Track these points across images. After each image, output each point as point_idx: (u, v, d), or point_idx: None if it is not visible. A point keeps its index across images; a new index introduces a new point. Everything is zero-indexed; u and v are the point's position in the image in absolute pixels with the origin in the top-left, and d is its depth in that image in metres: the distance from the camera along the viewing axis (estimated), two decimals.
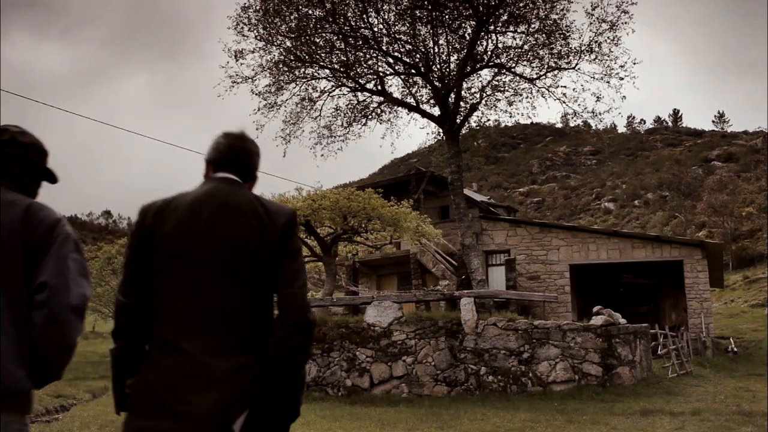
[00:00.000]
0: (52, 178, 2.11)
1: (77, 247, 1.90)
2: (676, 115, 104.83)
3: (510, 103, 19.25)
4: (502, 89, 19.12)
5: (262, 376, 1.86)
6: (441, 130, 18.83)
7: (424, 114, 19.07)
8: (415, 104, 19.29)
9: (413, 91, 19.55)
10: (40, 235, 1.83)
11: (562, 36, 17.89)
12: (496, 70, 18.76)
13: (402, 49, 18.64)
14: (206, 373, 1.80)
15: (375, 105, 19.60)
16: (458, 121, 18.44)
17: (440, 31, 18.37)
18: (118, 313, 1.97)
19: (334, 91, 19.23)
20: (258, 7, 17.89)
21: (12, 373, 1.73)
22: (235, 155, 2.06)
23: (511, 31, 18.37)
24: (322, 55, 18.58)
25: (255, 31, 18.10)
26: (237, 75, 18.54)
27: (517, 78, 18.81)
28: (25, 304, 1.79)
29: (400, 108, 19.53)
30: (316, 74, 18.90)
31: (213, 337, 1.85)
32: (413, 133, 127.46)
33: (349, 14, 18.18)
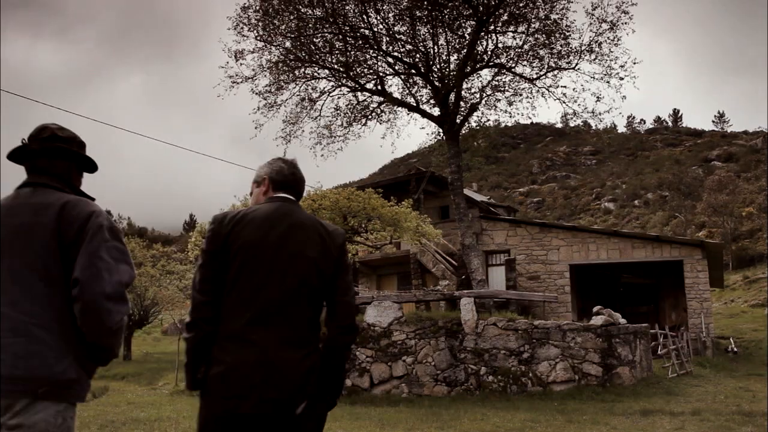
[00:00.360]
0: (93, 167, 2.33)
1: (113, 233, 2.07)
2: (676, 115, 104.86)
3: (510, 103, 19.26)
4: (502, 89, 19.13)
5: (316, 367, 2.25)
6: (441, 130, 18.82)
7: (424, 114, 19.06)
8: (415, 104, 19.29)
9: (413, 91, 19.56)
10: (75, 231, 2.01)
11: (562, 36, 17.90)
12: (496, 70, 18.76)
13: (402, 49, 18.65)
14: (271, 362, 2.16)
15: (375, 105, 19.60)
16: (458, 121, 18.43)
17: (440, 31, 18.37)
18: (194, 308, 2.24)
19: (334, 91, 19.25)
20: (258, 8, 17.90)
21: (52, 366, 1.94)
22: (294, 180, 2.50)
23: (511, 31, 18.38)
24: (322, 55, 18.57)
25: (255, 32, 18.12)
26: (237, 75, 18.56)
27: (517, 78, 18.82)
28: (65, 297, 1.99)
29: (400, 108, 19.53)
30: (315, 74, 18.91)
31: (279, 332, 2.20)
32: (413, 133, 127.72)
33: (349, 14, 18.18)
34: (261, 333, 2.18)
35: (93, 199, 2.20)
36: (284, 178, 2.48)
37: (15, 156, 2.19)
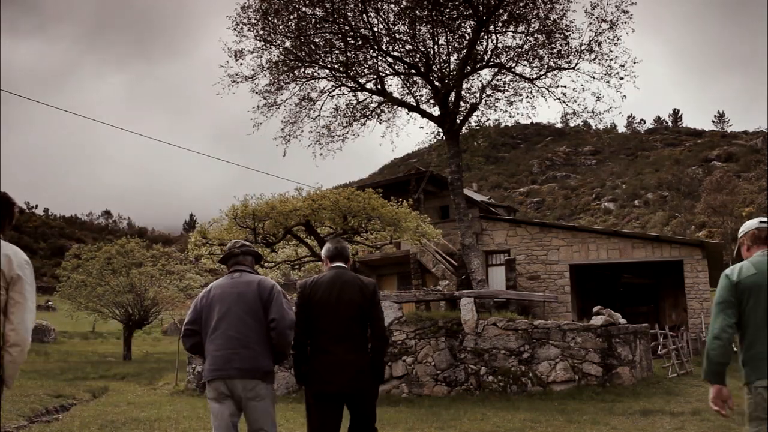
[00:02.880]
0: (261, 258, 4.68)
1: (284, 295, 3.98)
2: (676, 115, 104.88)
3: (510, 103, 19.23)
4: (501, 89, 19.11)
5: (367, 363, 3.96)
6: (441, 130, 18.81)
7: (424, 114, 19.05)
8: (415, 104, 19.27)
9: (413, 90, 19.54)
10: (266, 294, 3.91)
11: (561, 36, 17.87)
12: (496, 69, 18.74)
13: (402, 49, 18.62)
14: (344, 362, 3.88)
15: (375, 105, 19.59)
16: (458, 120, 18.42)
17: (440, 31, 18.35)
18: (296, 335, 3.97)
19: (333, 90, 19.23)
20: (257, 7, 17.88)
21: (263, 363, 3.83)
22: (338, 253, 4.21)
23: (511, 31, 18.36)
24: (322, 54, 18.56)
25: (254, 31, 18.10)
26: (237, 75, 18.54)
27: (517, 78, 18.80)
28: (265, 329, 3.86)
29: (399, 108, 19.51)
30: (315, 74, 18.89)
31: (345, 345, 3.92)
32: (413, 133, 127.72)
33: (349, 14, 18.16)
34: (335, 346, 3.92)
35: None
36: (332, 253, 4.23)
37: (225, 259, 4.19)
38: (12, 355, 2.81)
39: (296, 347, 3.98)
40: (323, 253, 4.26)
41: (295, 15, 17.95)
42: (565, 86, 18.78)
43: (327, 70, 18.81)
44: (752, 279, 3.11)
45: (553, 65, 18.21)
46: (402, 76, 19.35)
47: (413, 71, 18.80)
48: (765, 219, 3.37)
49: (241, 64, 18.67)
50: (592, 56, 17.69)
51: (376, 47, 18.39)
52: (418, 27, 18.29)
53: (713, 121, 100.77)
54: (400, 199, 15.79)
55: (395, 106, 19.43)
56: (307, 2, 17.93)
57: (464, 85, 18.72)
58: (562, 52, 17.98)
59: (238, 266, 4.07)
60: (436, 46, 18.43)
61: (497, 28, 18.13)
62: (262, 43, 18.16)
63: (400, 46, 18.56)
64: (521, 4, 17.70)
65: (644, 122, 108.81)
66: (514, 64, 18.48)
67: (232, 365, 3.74)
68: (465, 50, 17.95)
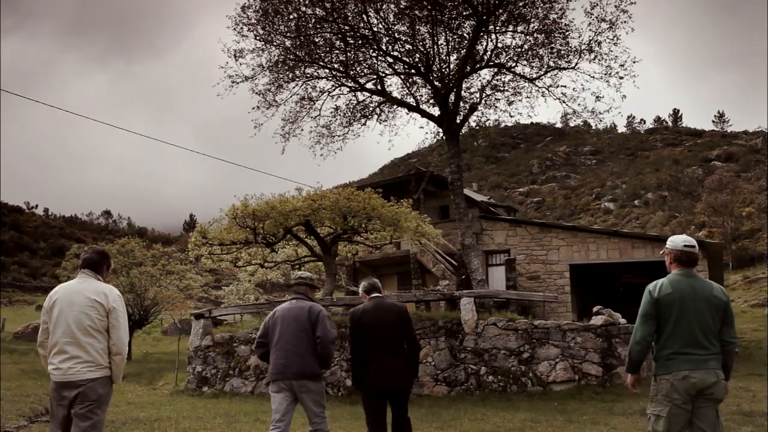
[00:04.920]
0: (315, 287, 5.93)
1: (328, 316, 5.28)
2: (676, 115, 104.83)
3: (510, 103, 19.22)
4: (501, 89, 19.10)
5: (407, 367, 5.36)
6: (441, 130, 18.80)
7: (424, 114, 19.04)
8: (414, 104, 19.26)
9: (413, 90, 19.53)
10: (315, 317, 5.18)
11: (561, 35, 17.86)
12: (495, 69, 18.72)
13: (402, 49, 18.61)
14: (389, 367, 5.26)
15: (375, 105, 19.58)
16: (458, 120, 18.41)
17: (440, 31, 18.33)
18: (352, 351, 5.47)
19: (334, 90, 19.22)
20: (258, 7, 17.88)
21: (313, 367, 5.16)
22: (372, 287, 5.61)
23: (510, 31, 18.35)
24: (322, 54, 18.55)
25: (254, 31, 18.09)
26: (237, 75, 18.55)
27: (517, 78, 18.79)
28: (314, 343, 5.14)
29: (399, 108, 19.51)
30: (315, 74, 18.88)
31: (389, 355, 5.29)
32: (412, 133, 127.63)
33: (348, 14, 18.14)
34: (384, 356, 5.28)
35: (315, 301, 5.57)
36: (368, 288, 5.63)
37: (290, 287, 6.22)
38: (116, 361, 4.17)
39: (354, 359, 5.43)
40: (361, 290, 5.70)
41: (295, 15, 17.94)
42: (565, 86, 18.76)
43: (327, 70, 18.81)
44: (668, 297, 3.95)
45: (553, 65, 18.20)
46: (402, 76, 19.34)
47: (413, 71, 18.79)
48: (689, 242, 4.09)
49: (240, 64, 18.68)
50: (592, 56, 17.69)
51: (375, 47, 18.39)
52: (418, 27, 18.28)
53: (713, 121, 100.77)
54: (400, 200, 15.80)
55: (395, 106, 19.42)
56: (307, 2, 17.93)
57: (464, 85, 18.72)
58: (562, 52, 17.97)
59: (296, 294, 5.47)
60: (435, 46, 18.42)
61: (497, 28, 18.13)
62: (263, 42, 18.17)
63: (400, 46, 18.56)
64: (521, 4, 17.69)
65: (644, 122, 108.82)
66: (513, 64, 18.48)
67: (289, 370, 5.12)
68: (465, 50, 17.94)
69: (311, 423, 5.26)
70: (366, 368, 5.28)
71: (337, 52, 18.57)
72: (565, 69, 18.15)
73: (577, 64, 17.87)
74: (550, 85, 18.57)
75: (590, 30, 17.77)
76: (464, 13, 18.02)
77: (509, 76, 18.84)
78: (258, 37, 18.12)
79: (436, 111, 18.76)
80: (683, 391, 3.84)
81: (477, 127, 20.12)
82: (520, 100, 20.37)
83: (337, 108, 19.58)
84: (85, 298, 4.10)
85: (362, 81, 18.99)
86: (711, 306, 3.93)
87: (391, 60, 18.78)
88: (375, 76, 18.93)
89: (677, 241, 4.12)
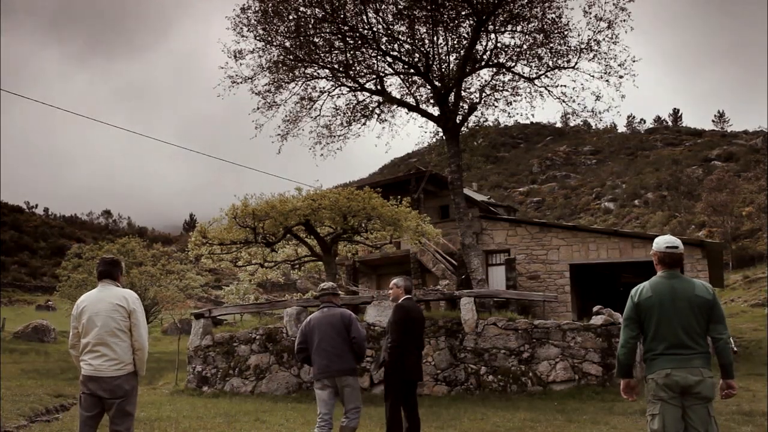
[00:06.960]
0: (338, 295, 6.57)
1: (356, 320, 6.03)
2: (675, 114, 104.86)
3: (509, 103, 19.21)
4: (501, 89, 19.08)
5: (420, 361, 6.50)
6: (441, 130, 18.79)
7: (424, 113, 19.03)
8: (414, 104, 19.25)
9: (413, 90, 19.52)
10: (347, 322, 5.95)
11: (560, 35, 17.84)
12: (495, 69, 18.72)
13: (401, 49, 18.60)
14: (419, 360, 6.31)
15: (374, 105, 19.57)
16: (458, 120, 18.40)
17: (439, 31, 18.33)
18: (407, 345, 6.20)
19: (333, 90, 19.22)
20: (257, 8, 17.87)
21: (351, 364, 5.92)
22: (407, 289, 6.39)
23: (510, 31, 18.34)
24: (322, 54, 18.54)
25: (254, 32, 18.09)
26: (237, 75, 18.54)
27: (517, 77, 18.78)
28: (349, 343, 5.92)
29: (399, 107, 19.50)
30: (315, 74, 18.88)
31: (419, 350, 6.36)
32: (412, 132, 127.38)
33: (348, 14, 18.13)
34: (414, 351, 6.18)
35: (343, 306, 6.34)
36: (408, 288, 6.37)
37: (319, 296, 6.27)
38: (138, 356, 4.73)
39: (400, 349, 6.08)
40: (402, 288, 6.39)
41: (294, 15, 17.94)
42: (564, 86, 18.73)
43: (327, 70, 18.81)
44: (649, 301, 4.03)
45: (552, 64, 18.19)
46: (401, 76, 19.34)
47: (413, 71, 18.79)
48: (672, 243, 4.09)
49: (240, 64, 18.67)
50: (591, 55, 17.68)
51: (375, 47, 18.38)
52: (417, 27, 18.27)
53: (713, 121, 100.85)
54: (399, 197, 15.80)
55: (395, 106, 19.41)
56: (306, 2, 17.92)
57: (464, 85, 18.71)
58: (561, 51, 17.96)
59: (326, 303, 6.15)
60: (435, 46, 18.41)
61: (496, 28, 18.12)
62: (262, 43, 18.17)
63: (399, 45, 18.55)
64: (519, 3, 17.67)
65: (644, 122, 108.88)
66: (513, 64, 18.48)
67: (332, 368, 5.82)
68: (464, 50, 17.93)
69: (346, 415, 5.89)
70: (404, 360, 6.05)
71: (336, 52, 18.56)
72: (564, 68, 18.16)
73: (576, 63, 17.88)
74: (550, 85, 18.58)
75: (589, 29, 17.77)
76: (463, 13, 18.01)
77: (509, 76, 18.85)
78: (258, 38, 18.13)
79: (435, 111, 18.76)
80: (667, 387, 3.96)
81: (477, 127, 20.12)
82: (519, 100, 20.35)
83: (337, 108, 19.59)
84: (109, 303, 4.69)
85: (362, 81, 18.98)
86: (693, 305, 3.96)
87: (390, 60, 18.77)
88: (375, 76, 18.92)
89: (660, 242, 4.15)
